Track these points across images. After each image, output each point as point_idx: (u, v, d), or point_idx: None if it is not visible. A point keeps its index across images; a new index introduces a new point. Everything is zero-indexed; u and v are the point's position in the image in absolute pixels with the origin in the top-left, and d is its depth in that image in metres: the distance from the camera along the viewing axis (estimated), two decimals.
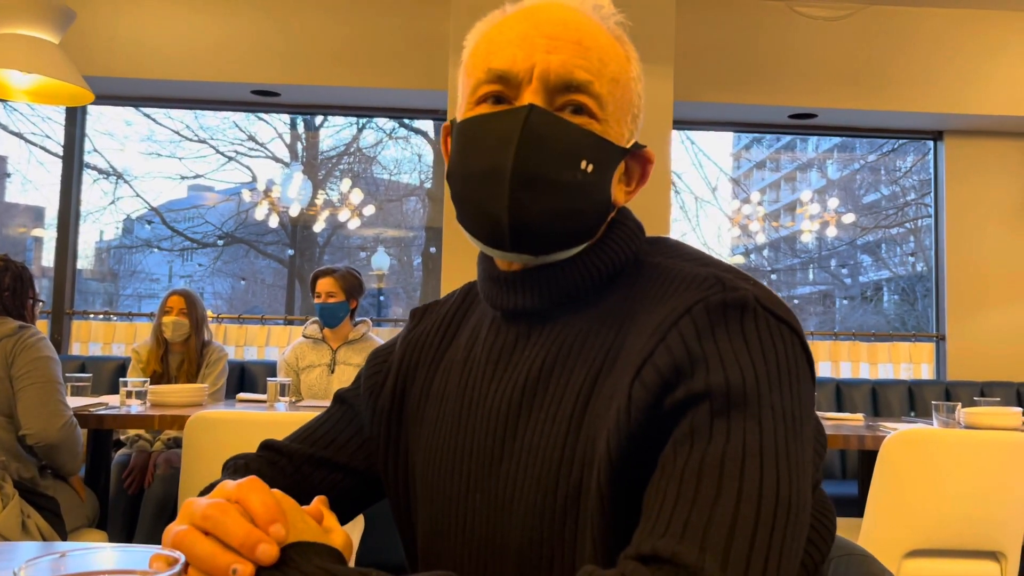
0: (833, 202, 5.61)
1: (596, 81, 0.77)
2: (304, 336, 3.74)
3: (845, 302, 9.27)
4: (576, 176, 0.76)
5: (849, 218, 5.68)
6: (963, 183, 4.91)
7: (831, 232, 5.66)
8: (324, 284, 3.58)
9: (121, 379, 3.12)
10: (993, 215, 4.89)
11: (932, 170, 5.08)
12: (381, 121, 7.02)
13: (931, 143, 5.09)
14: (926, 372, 5.09)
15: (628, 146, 0.82)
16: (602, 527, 0.68)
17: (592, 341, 0.76)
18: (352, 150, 7.43)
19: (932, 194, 5.08)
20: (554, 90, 0.76)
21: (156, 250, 7.68)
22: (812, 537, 0.76)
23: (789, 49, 4.60)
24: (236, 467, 0.90)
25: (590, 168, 0.76)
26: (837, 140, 7.30)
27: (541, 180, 0.74)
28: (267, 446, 0.94)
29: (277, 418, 2.57)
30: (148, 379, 3.30)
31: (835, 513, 0.82)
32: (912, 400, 4.43)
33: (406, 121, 6.89)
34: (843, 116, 4.80)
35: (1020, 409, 3.36)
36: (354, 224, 5.78)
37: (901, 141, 6.14)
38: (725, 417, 0.63)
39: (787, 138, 8.60)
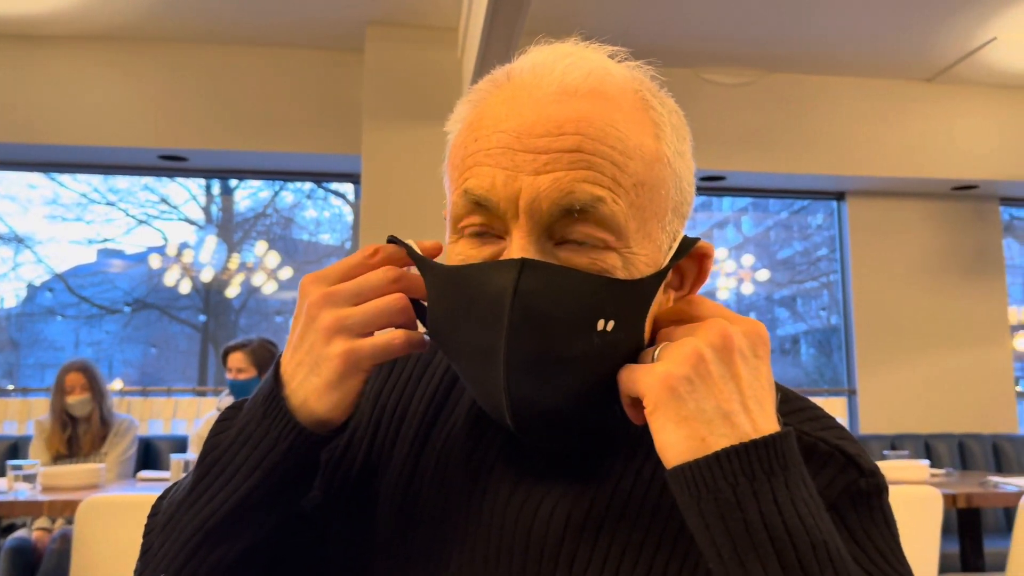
0: (748, 259, 5.77)
1: (609, 194, 0.59)
2: (218, 409, 3.62)
3: None
4: (592, 342, 0.58)
5: (764, 274, 5.84)
6: (866, 241, 5.10)
7: (747, 289, 5.80)
8: (235, 359, 3.49)
9: (9, 462, 2.95)
10: (896, 272, 5.08)
11: (837, 229, 5.27)
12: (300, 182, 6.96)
13: (834, 203, 5.29)
14: None
15: (667, 258, 0.63)
16: None
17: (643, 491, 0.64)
18: (269, 211, 7.34)
19: (838, 252, 5.26)
20: (549, 223, 0.59)
21: (60, 318, 7.38)
22: None
23: (696, 114, 4.70)
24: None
25: (611, 325, 0.59)
26: (750, 199, 7.55)
27: (544, 363, 0.58)
28: None
29: None
30: (50, 455, 3.14)
31: None
32: None
33: (324, 184, 6.84)
34: (750, 178, 4.96)
35: (927, 462, 3.45)
36: (271, 287, 5.67)
37: (809, 200, 6.37)
38: None
39: (702, 198, 8.85)
